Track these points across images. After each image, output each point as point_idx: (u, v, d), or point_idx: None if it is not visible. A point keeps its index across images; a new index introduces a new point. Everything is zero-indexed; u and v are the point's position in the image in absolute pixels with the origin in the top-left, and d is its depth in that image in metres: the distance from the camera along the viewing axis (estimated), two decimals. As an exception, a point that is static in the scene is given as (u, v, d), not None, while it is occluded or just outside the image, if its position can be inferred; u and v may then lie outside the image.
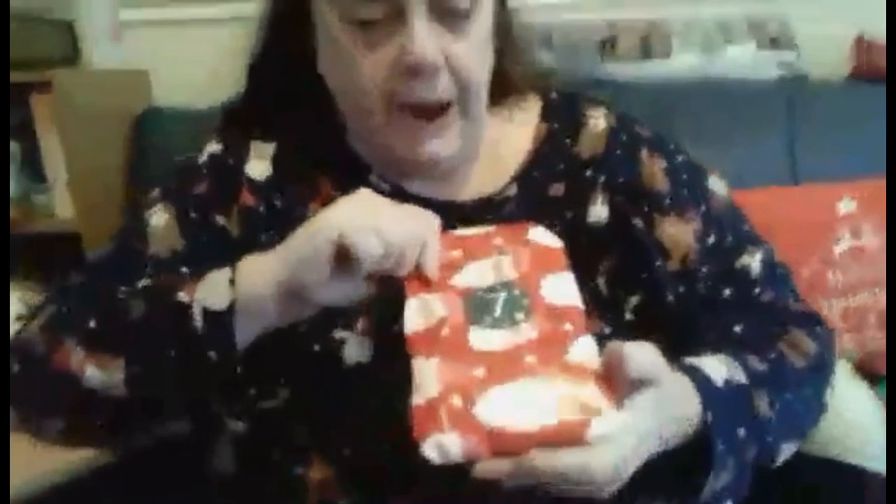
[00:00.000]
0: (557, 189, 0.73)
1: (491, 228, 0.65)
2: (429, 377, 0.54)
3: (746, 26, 1.45)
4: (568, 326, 0.57)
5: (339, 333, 0.66)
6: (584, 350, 0.56)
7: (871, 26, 1.44)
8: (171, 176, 0.78)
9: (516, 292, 0.59)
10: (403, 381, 0.58)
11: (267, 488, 0.67)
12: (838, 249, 1.16)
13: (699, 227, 0.73)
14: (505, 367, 0.54)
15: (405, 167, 0.72)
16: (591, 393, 0.52)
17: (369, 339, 0.66)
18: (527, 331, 0.57)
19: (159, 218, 0.73)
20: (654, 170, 0.74)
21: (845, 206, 1.18)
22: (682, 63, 1.43)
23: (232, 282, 0.60)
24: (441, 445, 0.51)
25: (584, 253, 0.67)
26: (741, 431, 0.62)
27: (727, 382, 0.63)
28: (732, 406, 0.62)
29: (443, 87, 0.65)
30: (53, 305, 0.68)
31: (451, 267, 0.61)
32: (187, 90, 1.54)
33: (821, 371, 0.72)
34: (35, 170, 1.39)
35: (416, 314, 0.58)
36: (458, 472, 0.52)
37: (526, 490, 0.53)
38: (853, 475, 0.83)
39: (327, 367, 0.66)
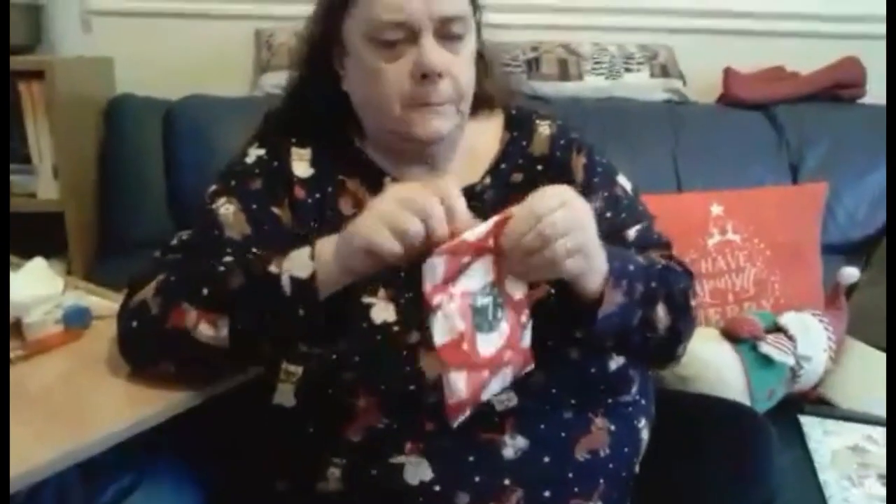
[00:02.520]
0: (517, 177, 0.98)
1: (492, 225, 0.74)
2: (459, 386, 0.74)
3: (643, 58, 1.76)
4: (524, 319, 0.78)
5: (366, 299, 0.87)
6: (529, 336, 0.79)
7: (739, 59, 1.79)
8: (225, 175, 0.96)
9: (496, 292, 0.75)
10: (422, 334, 0.82)
11: (322, 416, 0.87)
12: (710, 243, 1.48)
13: (600, 205, 0.95)
14: (495, 365, 0.77)
15: (414, 146, 0.92)
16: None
17: (392, 304, 0.87)
18: (504, 328, 0.76)
19: (227, 209, 0.91)
20: (578, 164, 0.99)
21: (716, 210, 1.50)
22: (592, 85, 1.72)
23: (312, 256, 0.79)
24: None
25: None
26: (630, 266, 0.84)
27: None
28: (619, 252, 0.85)
29: (443, 90, 0.88)
30: (161, 276, 0.85)
31: (461, 271, 0.73)
32: (148, 80, 1.67)
33: (685, 279, 0.94)
34: (19, 153, 1.46)
35: (442, 329, 0.72)
36: None
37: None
38: (722, 403, 1.12)
39: (361, 325, 0.87)
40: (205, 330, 0.81)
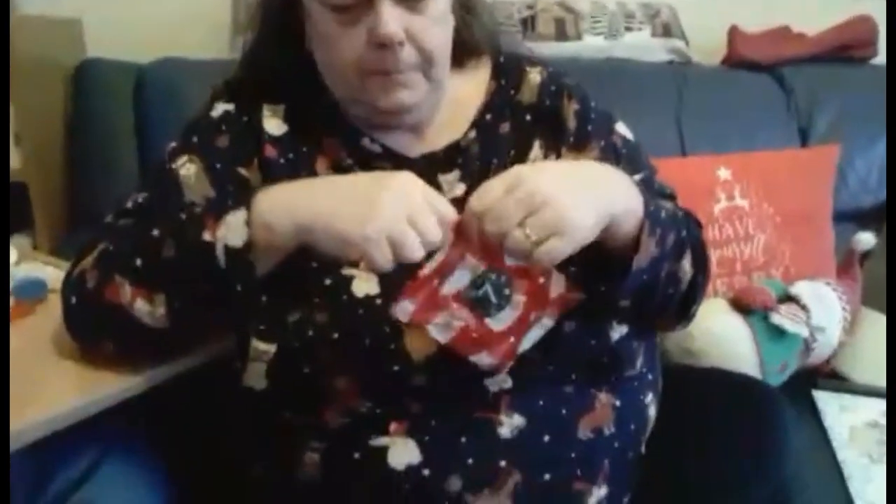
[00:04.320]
0: (504, 127, 0.89)
1: (447, 247, 0.71)
2: (486, 361, 0.74)
3: (644, 16, 1.67)
4: (542, 279, 0.73)
5: (346, 271, 0.79)
6: (560, 282, 0.74)
7: (744, 19, 1.70)
8: (187, 130, 0.88)
9: (492, 276, 0.73)
10: None
11: (297, 398, 0.79)
12: (717, 208, 1.40)
13: (598, 154, 0.88)
14: (522, 327, 0.73)
15: (382, 117, 0.84)
16: None
17: (375, 276, 0.78)
18: (518, 299, 0.73)
19: (188, 170, 0.82)
20: (569, 112, 0.90)
21: (723, 174, 1.41)
22: (590, 45, 1.63)
23: (247, 222, 0.69)
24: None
25: None
26: (661, 213, 0.77)
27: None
28: (650, 196, 0.77)
29: (405, 58, 0.79)
30: (103, 244, 0.77)
31: (441, 280, 0.72)
32: (119, 43, 1.58)
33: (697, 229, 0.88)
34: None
35: (442, 333, 0.72)
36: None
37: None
38: (733, 377, 1.05)
39: (341, 298, 0.78)
40: (141, 306, 0.72)
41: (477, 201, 0.69)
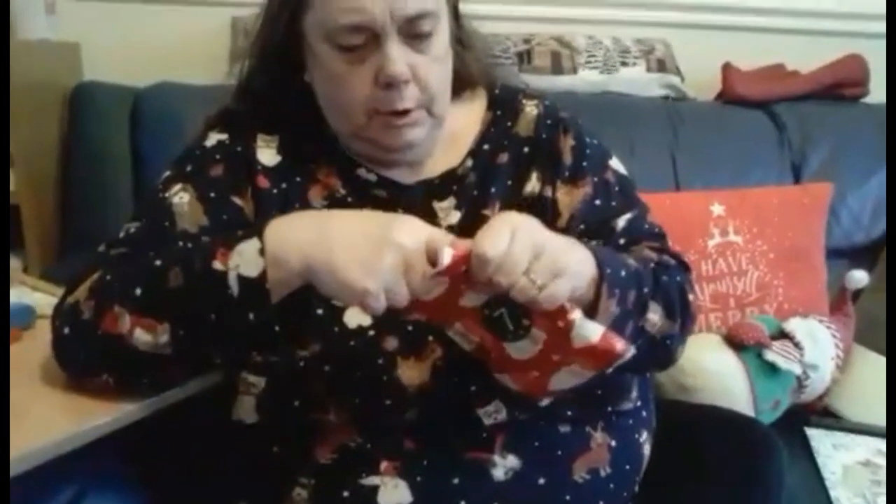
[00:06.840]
0: (503, 158, 0.89)
1: (449, 259, 0.66)
2: (510, 384, 0.74)
3: (639, 52, 1.69)
4: (561, 324, 0.68)
5: (338, 301, 0.77)
6: (589, 333, 0.68)
7: (738, 56, 1.72)
8: (181, 159, 0.87)
9: (510, 304, 0.69)
10: (401, 340, 0.74)
11: (287, 433, 0.78)
12: (711, 244, 1.40)
13: (590, 191, 0.88)
14: (546, 365, 0.72)
15: (385, 154, 0.85)
16: None
17: None
18: (538, 335, 0.70)
19: (181, 198, 0.82)
20: (566, 146, 0.90)
21: (716, 210, 1.42)
22: (586, 79, 1.64)
23: (261, 251, 0.68)
24: None
25: None
26: (622, 272, 0.76)
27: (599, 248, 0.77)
28: (611, 256, 0.77)
29: (410, 96, 0.79)
30: (97, 274, 0.76)
31: (456, 294, 0.69)
32: (117, 68, 1.58)
33: (680, 273, 0.86)
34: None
35: (462, 340, 0.73)
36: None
37: None
38: (726, 414, 1.03)
39: (333, 329, 0.78)
40: (141, 336, 0.70)
41: (492, 249, 0.65)
